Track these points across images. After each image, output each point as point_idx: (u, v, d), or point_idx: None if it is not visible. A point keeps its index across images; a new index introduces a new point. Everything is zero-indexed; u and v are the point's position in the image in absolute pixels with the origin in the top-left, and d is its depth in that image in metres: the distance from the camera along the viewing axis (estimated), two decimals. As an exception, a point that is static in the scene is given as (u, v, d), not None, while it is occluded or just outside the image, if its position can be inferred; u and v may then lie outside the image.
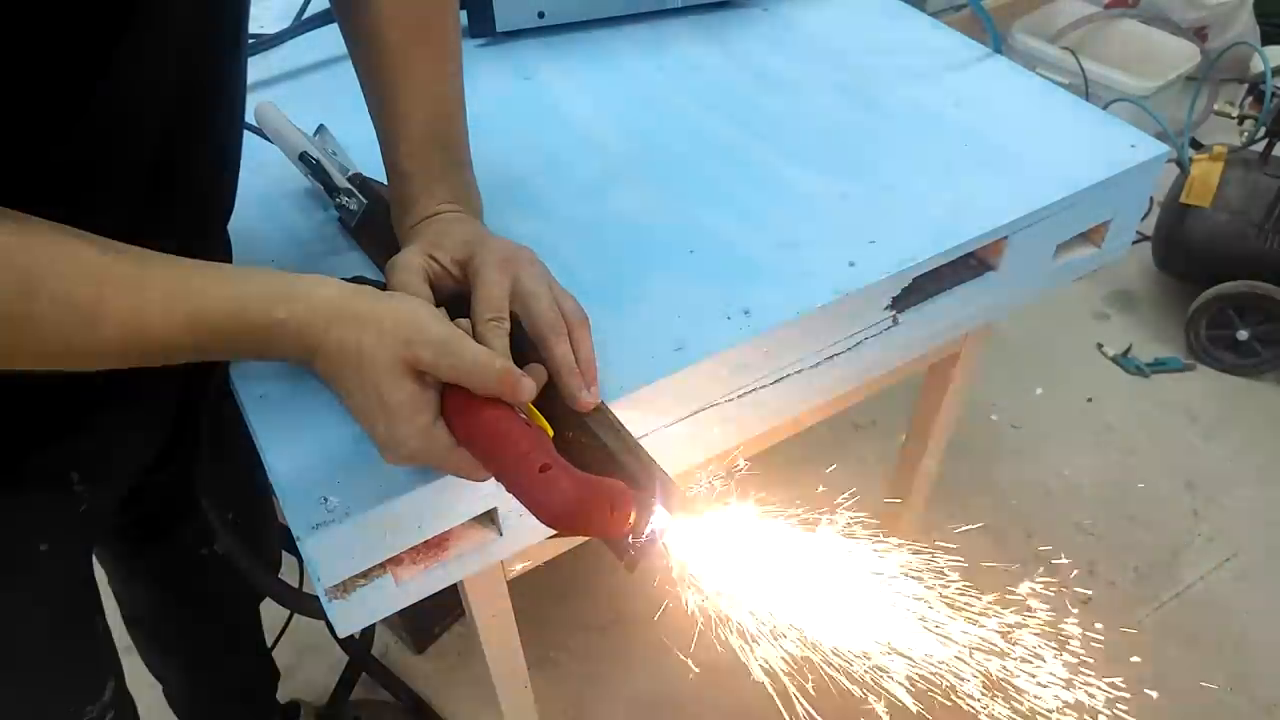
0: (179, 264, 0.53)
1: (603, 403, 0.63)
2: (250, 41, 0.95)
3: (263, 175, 0.86)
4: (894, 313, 0.80)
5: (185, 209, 0.68)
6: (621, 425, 0.62)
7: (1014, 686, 0.66)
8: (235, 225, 0.77)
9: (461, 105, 0.72)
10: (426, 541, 0.66)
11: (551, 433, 0.58)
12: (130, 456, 0.81)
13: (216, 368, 0.72)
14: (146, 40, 0.54)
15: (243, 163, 0.76)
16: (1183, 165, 2.08)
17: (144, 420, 0.80)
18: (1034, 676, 0.66)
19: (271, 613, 1.29)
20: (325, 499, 0.60)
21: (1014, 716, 0.66)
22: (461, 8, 1.03)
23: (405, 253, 0.65)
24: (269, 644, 1.34)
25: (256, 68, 0.96)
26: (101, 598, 0.91)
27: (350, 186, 0.79)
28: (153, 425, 0.82)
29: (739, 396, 0.75)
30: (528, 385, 0.56)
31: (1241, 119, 2.10)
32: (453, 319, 0.59)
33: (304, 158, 0.80)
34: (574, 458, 0.57)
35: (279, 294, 0.54)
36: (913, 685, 0.63)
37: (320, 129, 0.87)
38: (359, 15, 0.68)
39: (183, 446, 0.88)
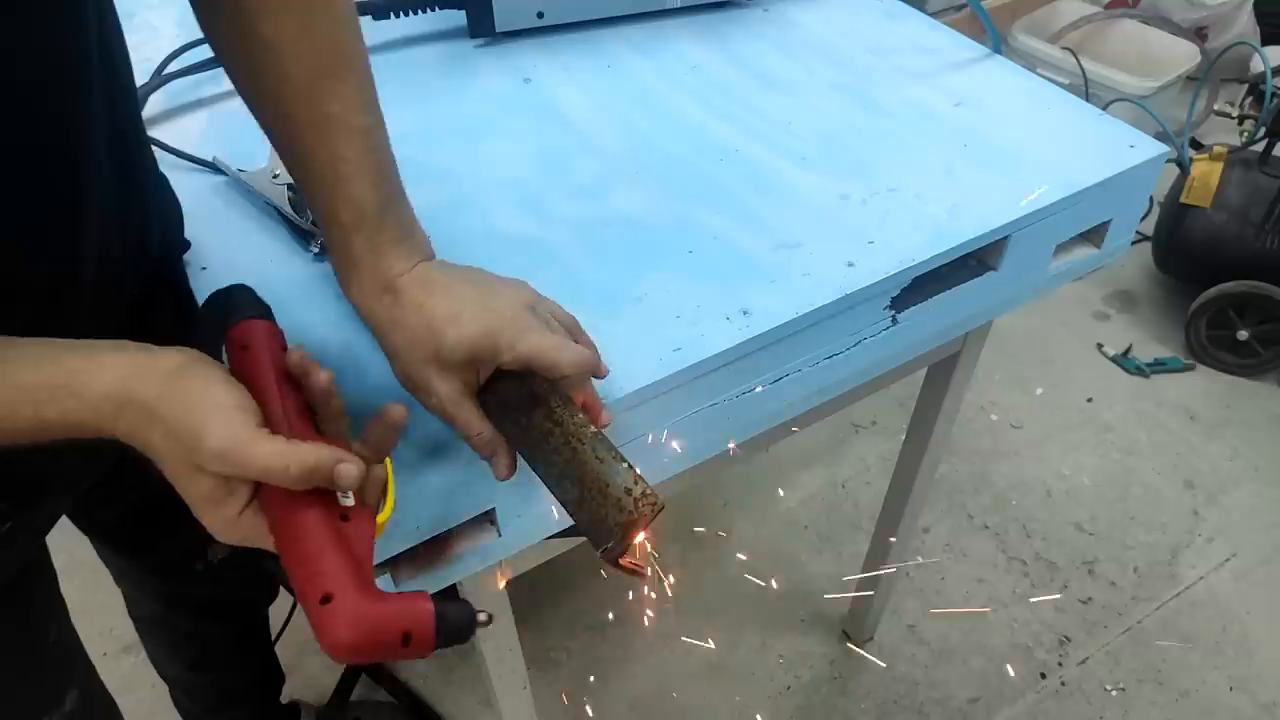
0: None
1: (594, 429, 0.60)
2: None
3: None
4: (894, 313, 0.80)
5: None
6: (606, 455, 0.58)
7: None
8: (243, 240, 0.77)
9: (387, 135, 0.63)
10: (426, 542, 0.66)
11: (389, 510, 0.55)
12: (67, 475, 0.75)
13: None
14: None
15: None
16: (1183, 165, 2.08)
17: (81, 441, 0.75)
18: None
19: (271, 613, 1.29)
20: (325, 499, 0.60)
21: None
22: (461, 8, 1.03)
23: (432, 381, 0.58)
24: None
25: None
26: (65, 602, 0.86)
27: (314, 229, 0.77)
28: (91, 444, 0.78)
29: (739, 396, 0.75)
30: (346, 472, 0.51)
31: (1241, 119, 2.10)
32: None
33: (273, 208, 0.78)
34: (559, 458, 0.56)
35: (52, 389, 0.48)
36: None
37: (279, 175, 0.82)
38: (257, 55, 0.58)
39: (138, 459, 0.84)
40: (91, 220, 0.60)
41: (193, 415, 0.49)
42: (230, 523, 0.51)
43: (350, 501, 0.52)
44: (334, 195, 0.60)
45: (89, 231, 0.60)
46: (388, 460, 0.56)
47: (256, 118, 0.62)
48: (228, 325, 0.59)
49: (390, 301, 0.59)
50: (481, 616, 0.52)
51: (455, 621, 0.50)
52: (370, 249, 0.60)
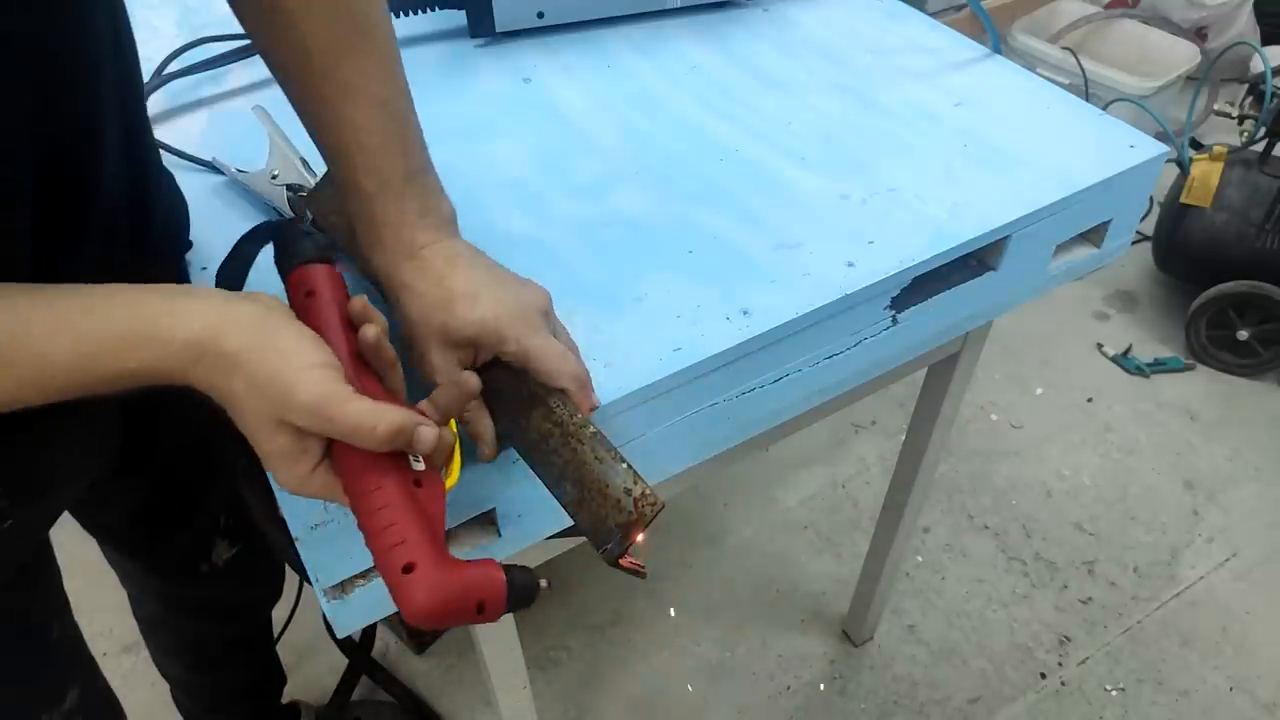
0: (16, 304, 0.47)
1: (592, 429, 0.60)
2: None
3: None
4: (894, 313, 0.80)
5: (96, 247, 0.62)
6: (604, 455, 0.58)
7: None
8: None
9: (412, 105, 0.64)
10: (426, 542, 0.66)
11: (456, 476, 0.55)
12: (67, 472, 0.74)
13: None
14: None
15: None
16: (1183, 165, 2.08)
17: (82, 434, 0.73)
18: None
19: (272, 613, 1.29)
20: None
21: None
22: (461, 8, 1.03)
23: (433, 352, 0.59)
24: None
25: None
26: (69, 601, 0.87)
27: (312, 230, 0.76)
28: (93, 437, 0.76)
29: (739, 396, 0.75)
30: (425, 436, 0.51)
31: (1241, 119, 2.10)
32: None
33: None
34: (558, 459, 0.56)
35: (134, 338, 0.48)
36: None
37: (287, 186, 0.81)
38: (278, 26, 0.59)
39: (139, 458, 0.84)
40: (100, 213, 0.61)
41: (285, 371, 0.49)
42: (303, 479, 0.51)
43: (421, 466, 0.53)
44: (357, 165, 0.60)
45: (92, 230, 0.61)
46: (454, 424, 0.56)
47: (282, 88, 0.62)
48: (289, 268, 0.59)
49: (412, 268, 0.60)
50: (543, 583, 0.53)
51: (522, 588, 0.52)
52: (396, 216, 0.60)
